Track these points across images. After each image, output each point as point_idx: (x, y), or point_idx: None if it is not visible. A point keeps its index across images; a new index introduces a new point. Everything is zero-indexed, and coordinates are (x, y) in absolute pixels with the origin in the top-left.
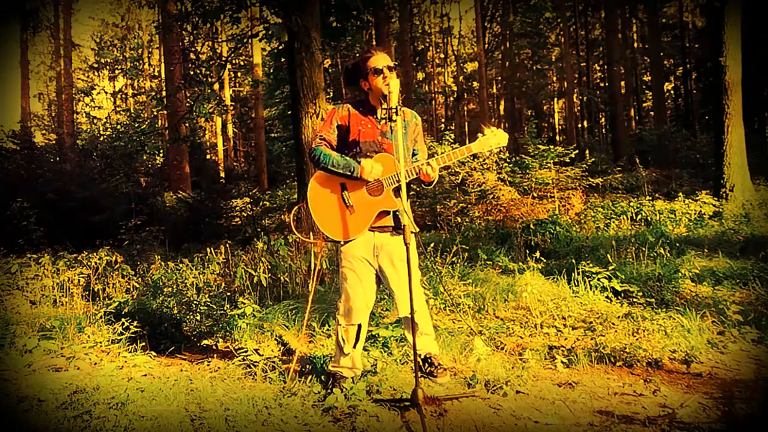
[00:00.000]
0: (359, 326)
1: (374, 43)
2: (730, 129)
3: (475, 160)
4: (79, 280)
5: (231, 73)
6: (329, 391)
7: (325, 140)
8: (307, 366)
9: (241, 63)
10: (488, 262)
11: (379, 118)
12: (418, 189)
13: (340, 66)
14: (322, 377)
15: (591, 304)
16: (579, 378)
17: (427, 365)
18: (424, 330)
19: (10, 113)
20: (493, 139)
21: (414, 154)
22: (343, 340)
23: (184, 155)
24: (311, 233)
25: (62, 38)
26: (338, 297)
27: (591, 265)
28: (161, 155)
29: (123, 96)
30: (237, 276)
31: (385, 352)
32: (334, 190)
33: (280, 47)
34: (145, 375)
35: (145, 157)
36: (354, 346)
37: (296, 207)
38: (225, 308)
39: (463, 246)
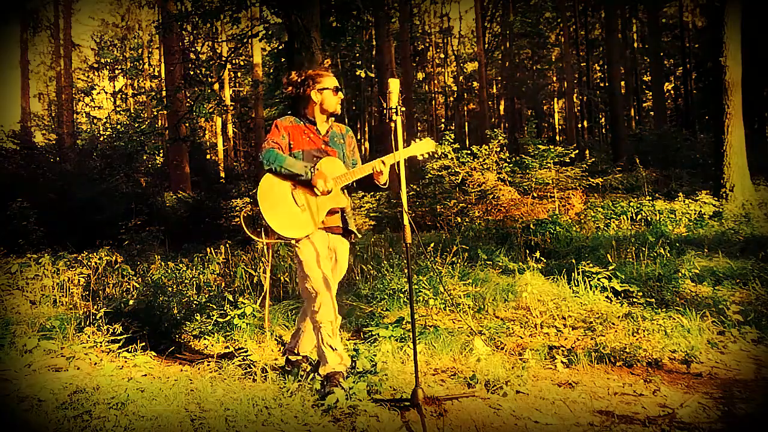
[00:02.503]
0: (339, 319)
1: (374, 43)
2: (730, 129)
3: (476, 160)
4: (79, 280)
5: (231, 73)
6: (329, 391)
7: (278, 144)
8: (307, 366)
9: (241, 63)
10: (488, 262)
11: (320, 129)
12: (418, 189)
13: (340, 66)
14: (319, 377)
15: (591, 304)
16: (579, 378)
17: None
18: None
19: (10, 113)
20: (422, 146)
21: (354, 164)
22: (330, 337)
23: (184, 155)
24: (263, 233)
25: (62, 38)
26: (313, 298)
27: (591, 265)
28: (161, 155)
29: (123, 96)
30: (237, 276)
31: (385, 351)
32: (284, 189)
33: (280, 47)
34: (145, 375)
35: (145, 157)
36: (337, 340)
37: (246, 207)
38: (225, 308)
39: (463, 246)
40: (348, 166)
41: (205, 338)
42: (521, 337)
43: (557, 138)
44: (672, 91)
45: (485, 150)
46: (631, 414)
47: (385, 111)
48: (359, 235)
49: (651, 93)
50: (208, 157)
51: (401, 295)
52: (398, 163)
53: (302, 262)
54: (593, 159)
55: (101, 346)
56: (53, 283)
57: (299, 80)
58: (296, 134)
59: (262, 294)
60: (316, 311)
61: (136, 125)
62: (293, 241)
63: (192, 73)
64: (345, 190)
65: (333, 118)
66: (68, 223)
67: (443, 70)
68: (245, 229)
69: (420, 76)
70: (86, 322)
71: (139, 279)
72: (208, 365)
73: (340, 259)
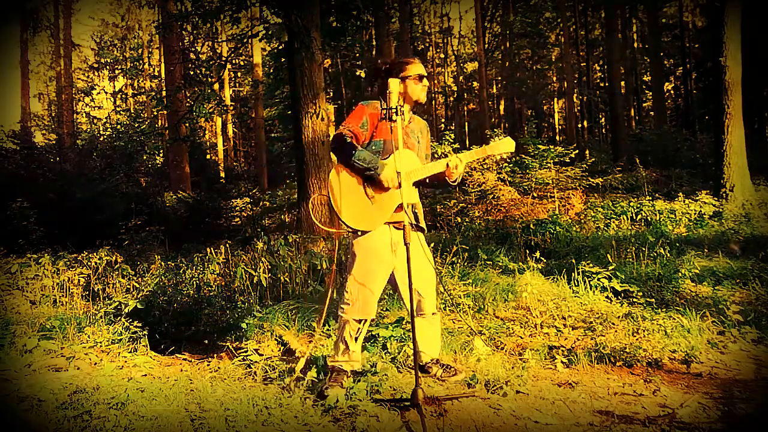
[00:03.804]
0: (368, 321)
1: (374, 43)
2: (730, 129)
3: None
4: (79, 280)
5: (231, 73)
6: (328, 385)
7: (353, 132)
8: (307, 365)
9: (241, 63)
10: (488, 262)
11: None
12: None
13: (340, 66)
14: (322, 373)
15: (591, 304)
16: (579, 378)
17: (435, 368)
18: (432, 342)
19: (10, 113)
20: (504, 145)
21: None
22: (350, 335)
23: (184, 155)
24: (328, 224)
25: (62, 38)
26: (349, 292)
27: (591, 265)
28: (161, 155)
29: (123, 96)
30: (237, 276)
31: (385, 351)
32: (357, 180)
33: (280, 47)
34: (145, 375)
35: (145, 157)
36: (356, 340)
37: (313, 196)
38: (225, 308)
39: (463, 246)
40: (422, 161)
41: (205, 338)
42: (521, 337)
43: (557, 138)
44: (672, 91)
45: None
46: (631, 414)
47: (384, 111)
48: (426, 232)
49: (651, 93)
50: (208, 157)
51: None
52: (398, 161)
53: (354, 255)
54: (593, 159)
55: (101, 346)
56: (53, 283)
57: (384, 68)
58: (381, 123)
59: (327, 288)
60: (347, 305)
61: (136, 125)
62: (359, 233)
63: (192, 73)
64: (417, 186)
65: (413, 111)
66: (68, 223)
67: (443, 70)
68: (313, 218)
69: None
70: (86, 322)
71: (139, 279)
72: (208, 365)
73: (413, 253)
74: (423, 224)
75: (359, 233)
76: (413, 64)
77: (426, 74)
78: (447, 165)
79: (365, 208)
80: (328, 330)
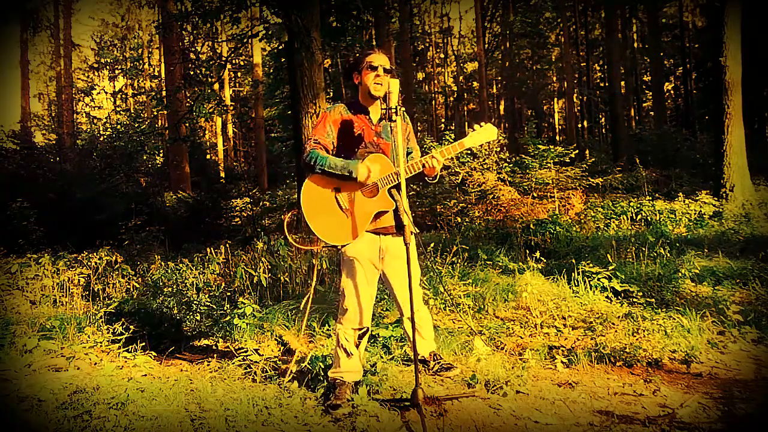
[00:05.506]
0: (365, 329)
1: (374, 43)
2: (730, 129)
3: (475, 160)
4: (79, 280)
5: (231, 73)
6: (334, 404)
7: (320, 144)
8: (307, 366)
9: (241, 63)
10: (488, 262)
11: (372, 118)
12: (418, 189)
13: (340, 66)
14: (324, 381)
15: (591, 304)
16: (579, 378)
17: (433, 362)
18: (426, 335)
19: (10, 113)
20: (484, 133)
21: (408, 153)
22: (347, 342)
23: (184, 155)
24: (308, 238)
25: (62, 38)
26: (341, 301)
27: (591, 265)
28: (161, 155)
29: (123, 96)
30: (237, 276)
31: (385, 351)
32: (329, 194)
33: (280, 47)
34: (145, 375)
35: (145, 157)
36: (357, 348)
37: (289, 213)
38: (225, 308)
39: (463, 246)
40: (401, 156)
41: (205, 338)
42: (521, 337)
43: (557, 138)
44: (672, 91)
45: (485, 150)
46: (631, 414)
47: (384, 111)
48: (414, 229)
49: (651, 93)
50: (208, 157)
51: None
52: (398, 161)
53: (342, 266)
54: (593, 159)
55: (101, 346)
56: (53, 283)
57: (348, 65)
58: (346, 127)
59: (304, 301)
60: (342, 315)
61: (136, 125)
62: (339, 246)
63: (192, 73)
64: (393, 190)
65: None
66: (68, 223)
67: (443, 70)
68: (288, 236)
69: (420, 76)
70: (86, 322)
71: (139, 279)
72: (208, 365)
73: (400, 262)
74: (408, 224)
75: (339, 246)
76: (370, 55)
77: (386, 66)
78: (423, 165)
79: (341, 221)
80: (327, 330)
